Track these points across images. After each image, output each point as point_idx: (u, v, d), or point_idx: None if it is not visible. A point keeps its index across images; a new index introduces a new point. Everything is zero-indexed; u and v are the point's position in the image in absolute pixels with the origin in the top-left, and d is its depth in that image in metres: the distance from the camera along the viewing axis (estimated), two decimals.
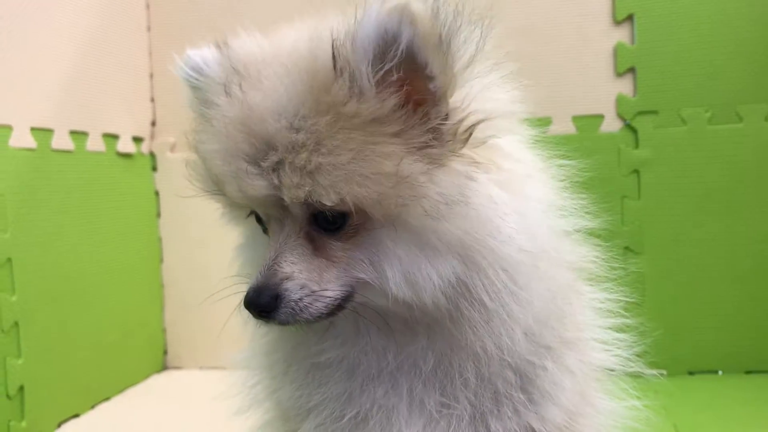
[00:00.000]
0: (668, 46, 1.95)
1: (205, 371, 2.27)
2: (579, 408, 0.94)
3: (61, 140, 1.84)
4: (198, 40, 2.31)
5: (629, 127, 1.98)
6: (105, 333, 2.00)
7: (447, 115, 0.78)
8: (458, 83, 0.78)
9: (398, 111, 0.76)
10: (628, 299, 1.02)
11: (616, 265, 1.03)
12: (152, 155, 2.27)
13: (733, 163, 1.94)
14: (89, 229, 1.94)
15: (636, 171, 1.98)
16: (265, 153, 0.78)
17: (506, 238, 0.80)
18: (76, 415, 1.87)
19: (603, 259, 1.00)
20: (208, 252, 2.17)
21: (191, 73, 0.91)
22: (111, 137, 2.06)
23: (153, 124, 2.27)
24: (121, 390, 2.08)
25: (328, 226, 0.80)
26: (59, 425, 1.80)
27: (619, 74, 1.98)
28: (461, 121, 0.79)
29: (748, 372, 1.97)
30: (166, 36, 2.23)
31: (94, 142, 1.98)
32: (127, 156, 2.13)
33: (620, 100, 1.98)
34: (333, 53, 0.75)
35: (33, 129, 1.74)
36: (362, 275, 0.80)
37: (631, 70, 1.98)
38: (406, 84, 0.76)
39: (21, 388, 1.65)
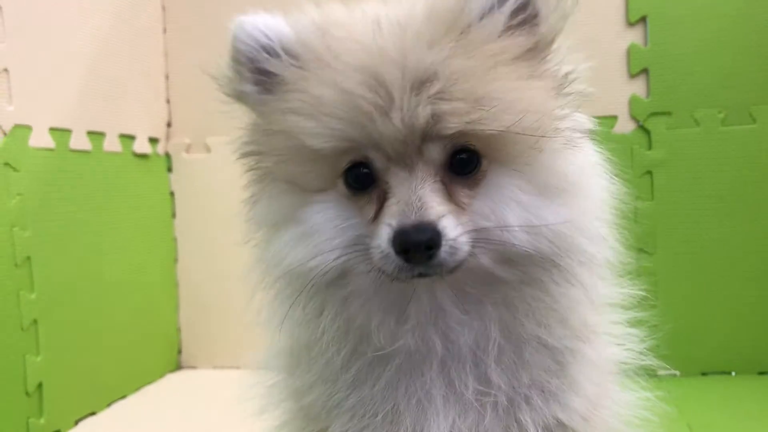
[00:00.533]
0: (681, 48, 1.96)
1: (219, 370, 2.29)
2: (600, 399, 0.95)
3: (79, 140, 1.86)
4: (213, 42, 2.32)
5: (642, 128, 1.99)
6: (121, 332, 2.02)
7: (553, 62, 0.86)
8: (559, 33, 0.86)
9: (530, 52, 0.83)
10: (640, 293, 1.03)
11: (630, 260, 1.04)
12: (168, 156, 2.29)
13: (746, 164, 1.94)
14: (106, 228, 1.96)
15: (649, 172, 1.98)
16: (429, 83, 0.77)
17: (602, 184, 0.89)
18: (93, 413, 1.89)
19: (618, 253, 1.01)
20: (223, 252, 2.19)
21: (264, 31, 0.88)
22: (127, 138, 2.08)
23: (168, 125, 2.29)
24: (136, 389, 2.10)
25: (461, 170, 0.81)
26: (76, 423, 1.82)
27: (633, 75, 1.99)
28: (559, 68, 0.86)
29: (761, 373, 1.97)
30: (181, 38, 2.26)
31: (111, 143, 2.00)
32: (143, 156, 2.15)
33: (633, 101, 1.99)
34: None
35: (52, 129, 1.76)
36: (485, 223, 0.81)
37: (645, 71, 1.98)
38: (532, 27, 0.83)
39: (39, 385, 1.67)
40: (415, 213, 0.77)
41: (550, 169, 0.82)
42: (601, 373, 0.96)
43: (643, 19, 1.98)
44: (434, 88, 0.77)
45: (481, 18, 0.81)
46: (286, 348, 1.01)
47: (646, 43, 1.98)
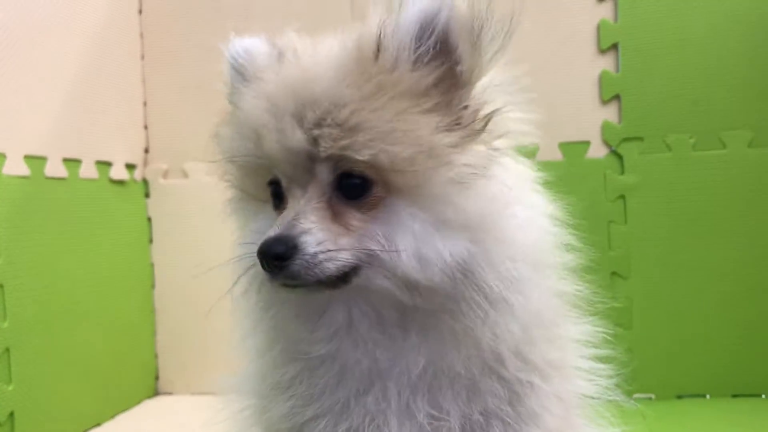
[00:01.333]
0: (652, 74, 1.99)
1: (196, 396, 2.27)
2: None
3: (55, 168, 1.86)
4: (191, 68, 2.33)
5: (615, 154, 2.01)
6: (97, 358, 2.01)
7: (469, 100, 0.87)
8: (482, 72, 0.87)
9: (434, 88, 0.84)
10: (608, 331, 1.04)
11: (600, 294, 1.06)
12: (145, 182, 2.29)
13: (717, 188, 1.97)
14: (82, 255, 1.96)
15: (622, 196, 2.01)
16: (309, 110, 0.83)
17: (519, 224, 0.88)
18: None
19: (587, 288, 1.03)
20: (200, 278, 2.18)
21: (240, 52, 0.98)
22: (104, 164, 2.08)
23: (146, 151, 2.29)
24: (112, 415, 2.08)
25: (351, 193, 0.85)
26: None
27: (605, 102, 2.02)
28: (480, 108, 0.87)
29: (734, 396, 1.98)
30: (159, 64, 2.27)
31: (88, 170, 2.00)
32: (120, 183, 2.15)
33: (606, 127, 2.01)
34: (379, 31, 0.85)
35: (26, 157, 1.76)
36: (375, 247, 0.83)
37: (617, 97, 2.01)
38: (441, 64, 0.85)
39: (11, 415, 1.65)
40: (281, 226, 0.83)
41: (445, 201, 0.83)
42: (566, 407, 0.97)
43: (614, 46, 2.01)
44: (314, 115, 0.83)
45: (384, 52, 0.85)
46: (254, 371, 1.03)
47: (617, 70, 2.01)
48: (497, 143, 0.88)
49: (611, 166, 2.01)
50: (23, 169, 1.75)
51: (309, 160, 0.85)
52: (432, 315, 0.86)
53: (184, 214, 2.25)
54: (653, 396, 1.99)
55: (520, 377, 0.90)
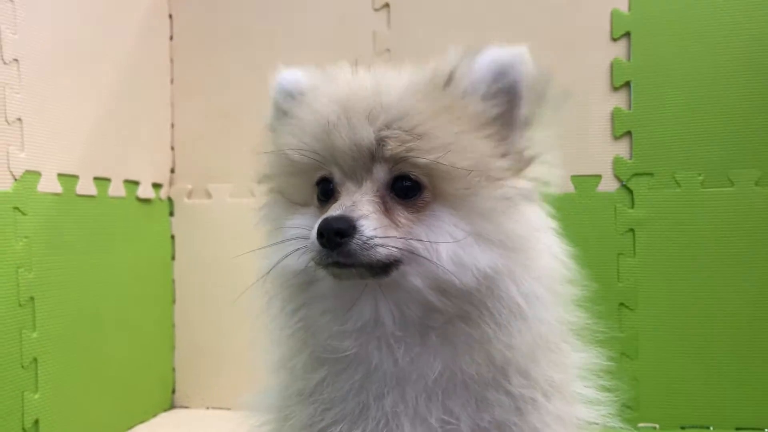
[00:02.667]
0: (663, 112, 2.05)
1: (211, 411, 2.34)
2: None
3: (86, 186, 1.95)
4: (218, 94, 2.41)
5: (625, 188, 2.07)
6: (117, 370, 2.08)
7: (519, 140, 0.98)
8: (534, 122, 0.98)
9: (494, 121, 0.96)
10: (610, 361, 1.09)
11: (604, 325, 1.11)
12: (170, 200, 2.37)
13: (724, 224, 2.01)
14: (108, 270, 2.03)
15: (631, 230, 2.06)
16: (382, 113, 0.92)
17: (544, 249, 0.98)
18: None
19: (591, 319, 1.09)
20: (219, 295, 2.26)
21: (289, 82, 1.09)
22: (132, 183, 2.16)
23: (172, 171, 2.38)
24: (129, 427, 2.15)
25: (402, 194, 0.94)
26: None
27: (616, 137, 2.07)
28: (525, 150, 0.98)
29: (738, 429, 2.01)
30: (187, 89, 2.36)
31: (116, 188, 2.08)
32: (146, 201, 2.24)
33: (617, 162, 2.07)
34: (454, 66, 0.97)
35: (60, 175, 1.84)
36: (418, 246, 0.91)
37: (628, 133, 2.07)
38: (505, 104, 0.96)
39: (36, 422, 1.72)
40: (342, 210, 0.91)
41: (488, 217, 0.93)
42: (567, 428, 1.02)
43: (627, 84, 2.07)
44: (385, 118, 0.92)
45: (458, 83, 0.96)
46: (275, 382, 1.09)
47: (629, 107, 2.07)
48: (536, 181, 0.99)
49: (621, 200, 2.07)
50: (56, 187, 1.83)
51: (370, 159, 0.93)
52: (450, 321, 0.93)
53: (206, 232, 2.32)
54: (657, 426, 2.03)
55: (524, 393, 0.96)
